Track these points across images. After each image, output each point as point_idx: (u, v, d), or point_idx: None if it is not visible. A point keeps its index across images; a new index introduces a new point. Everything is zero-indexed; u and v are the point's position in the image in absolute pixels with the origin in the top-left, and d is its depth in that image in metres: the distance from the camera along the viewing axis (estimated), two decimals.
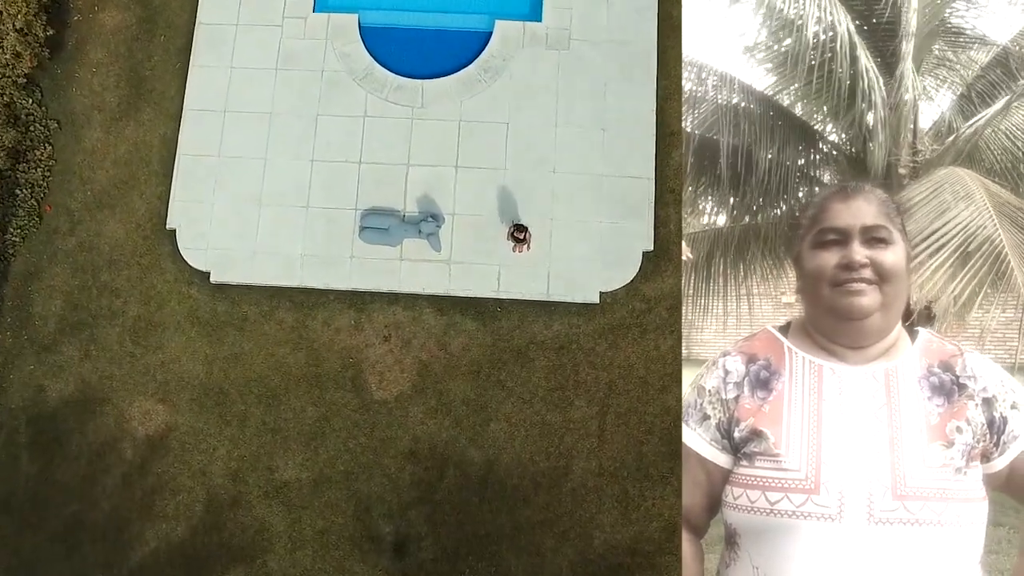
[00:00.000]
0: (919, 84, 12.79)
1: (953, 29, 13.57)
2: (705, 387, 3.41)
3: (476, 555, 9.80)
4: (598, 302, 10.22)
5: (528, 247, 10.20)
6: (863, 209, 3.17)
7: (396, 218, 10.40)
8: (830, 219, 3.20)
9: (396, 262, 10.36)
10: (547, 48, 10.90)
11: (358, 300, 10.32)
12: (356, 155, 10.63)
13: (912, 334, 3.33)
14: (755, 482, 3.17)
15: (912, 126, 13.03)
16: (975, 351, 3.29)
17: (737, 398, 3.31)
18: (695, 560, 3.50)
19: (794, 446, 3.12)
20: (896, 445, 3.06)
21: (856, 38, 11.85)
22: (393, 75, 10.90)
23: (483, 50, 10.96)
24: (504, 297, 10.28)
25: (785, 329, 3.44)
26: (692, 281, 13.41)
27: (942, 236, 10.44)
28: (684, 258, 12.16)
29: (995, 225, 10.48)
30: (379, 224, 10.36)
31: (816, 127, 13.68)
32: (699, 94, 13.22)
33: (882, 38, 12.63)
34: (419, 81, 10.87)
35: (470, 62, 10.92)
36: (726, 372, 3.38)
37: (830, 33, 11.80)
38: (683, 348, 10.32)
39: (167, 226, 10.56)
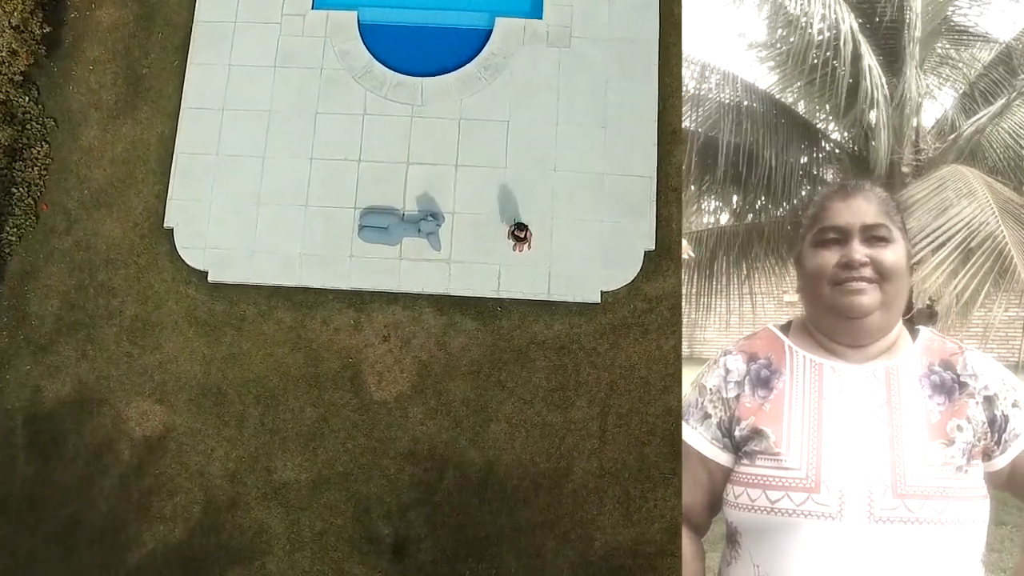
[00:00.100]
0: (922, 82, 12.77)
1: (956, 27, 13.60)
2: (706, 386, 3.41)
3: (476, 557, 9.75)
4: (599, 301, 10.17)
5: (529, 246, 10.14)
6: (863, 208, 3.17)
7: (395, 217, 10.34)
8: (830, 218, 3.20)
9: (395, 261, 10.30)
10: (548, 46, 10.84)
11: (357, 300, 10.27)
12: (355, 153, 10.58)
13: (913, 332, 3.33)
14: (756, 481, 3.17)
15: (915, 124, 13.06)
16: (976, 349, 3.29)
17: (738, 397, 3.30)
18: (695, 558, 3.50)
19: (794, 445, 3.12)
20: (896, 443, 3.06)
21: (859, 36, 11.87)
22: (392, 73, 10.84)
23: (483, 48, 10.90)
24: (504, 297, 10.22)
25: (786, 328, 3.45)
26: (695, 280, 13.43)
27: (944, 233, 10.48)
28: (684, 257, 12.13)
29: (997, 222, 10.50)
30: (378, 223, 10.30)
31: (819, 126, 13.70)
32: (702, 92, 13.21)
33: (885, 36, 12.63)
34: (419, 79, 10.81)
35: (470, 60, 10.87)
36: (727, 371, 3.37)
37: (833, 31, 11.79)
38: (686, 347, 10.31)
39: (164, 225, 10.51)
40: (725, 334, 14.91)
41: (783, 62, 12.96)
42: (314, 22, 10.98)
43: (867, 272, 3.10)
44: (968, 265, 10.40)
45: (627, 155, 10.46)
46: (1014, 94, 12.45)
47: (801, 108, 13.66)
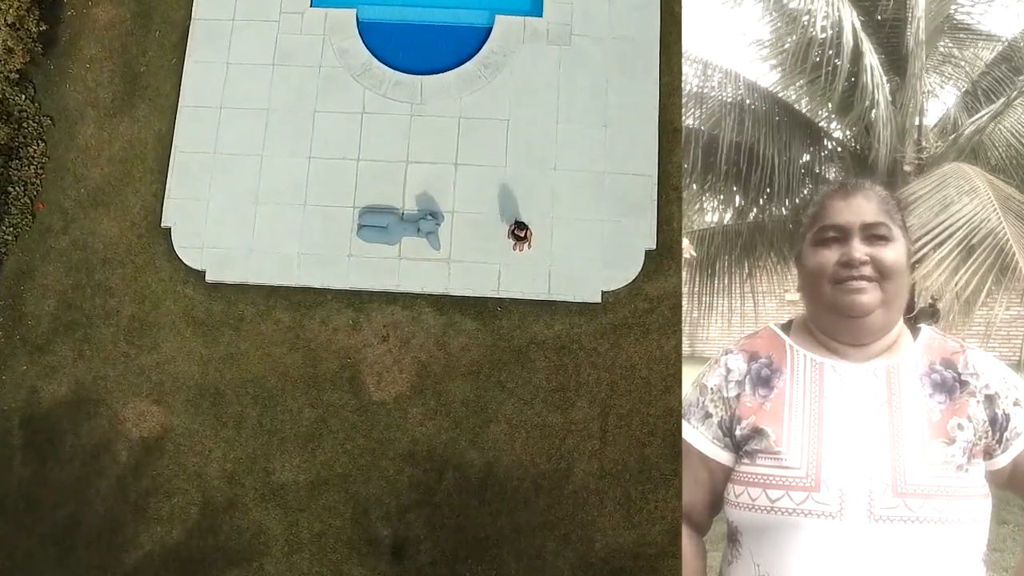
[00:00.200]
0: (924, 81, 12.74)
1: (959, 25, 13.56)
2: (707, 385, 3.41)
3: (476, 558, 9.72)
4: (600, 301, 10.15)
5: (529, 245, 10.11)
6: (863, 206, 3.18)
7: (395, 216, 10.31)
8: (830, 217, 3.21)
9: (395, 261, 10.27)
10: (548, 44, 10.82)
11: (356, 299, 10.25)
12: (354, 152, 10.56)
13: (914, 331, 3.33)
14: (756, 480, 3.17)
15: (917, 123, 13.03)
16: (978, 348, 3.29)
17: (739, 396, 3.31)
18: (695, 557, 3.52)
19: (795, 444, 3.13)
20: (897, 442, 3.06)
21: (861, 34, 11.86)
22: (392, 71, 10.83)
23: (483, 46, 10.88)
24: (504, 296, 10.20)
25: (787, 327, 3.46)
26: (697, 278, 13.41)
27: (946, 229, 10.49)
28: (686, 256, 12.11)
29: (999, 218, 10.50)
30: (377, 222, 10.27)
31: (821, 124, 13.67)
32: (704, 91, 13.20)
33: (888, 35, 12.59)
34: (418, 77, 10.79)
35: (470, 58, 10.85)
36: (728, 370, 3.38)
37: (836, 29, 11.76)
38: (688, 346, 10.29)
39: (162, 224, 10.49)
40: (727, 333, 14.87)
41: (784, 60, 12.93)
42: (313, 20, 10.96)
43: (867, 271, 3.10)
44: (969, 262, 10.40)
45: (628, 154, 10.43)
46: (1016, 92, 12.42)
47: (803, 106, 13.63)
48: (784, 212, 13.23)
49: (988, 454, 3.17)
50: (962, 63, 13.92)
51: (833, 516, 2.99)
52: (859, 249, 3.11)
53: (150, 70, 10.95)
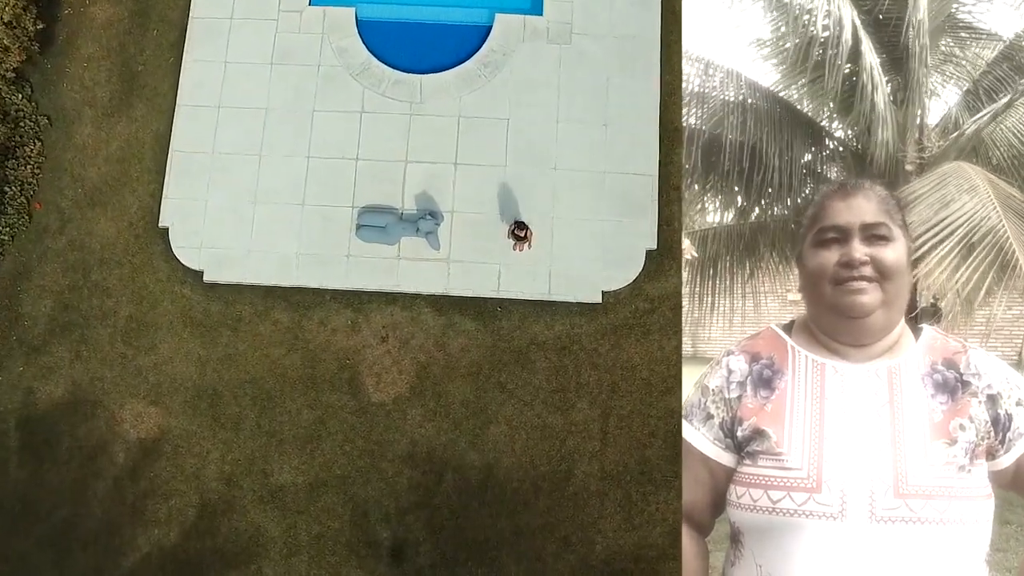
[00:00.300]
0: (926, 80, 12.72)
1: (960, 24, 13.57)
2: (709, 386, 3.44)
3: (475, 561, 9.68)
4: (600, 302, 10.12)
5: (529, 245, 10.08)
6: (863, 207, 3.19)
7: (394, 216, 10.28)
8: (830, 217, 3.23)
9: (394, 261, 10.23)
10: (548, 42, 10.79)
11: (355, 300, 10.22)
12: (353, 151, 10.53)
13: (916, 331, 3.35)
14: (758, 481, 3.19)
15: (918, 122, 13.01)
16: (980, 348, 3.30)
17: (740, 397, 3.35)
18: (696, 557, 3.56)
19: (796, 445, 3.16)
20: (898, 443, 3.07)
21: (862, 33, 11.83)
22: (391, 70, 10.80)
23: (483, 44, 10.86)
24: (504, 297, 10.17)
25: (789, 327, 3.48)
26: (699, 279, 13.39)
27: (946, 226, 10.51)
28: (687, 256, 12.08)
29: (999, 216, 10.53)
30: (376, 222, 10.24)
31: (822, 124, 13.66)
32: (705, 90, 13.19)
33: (889, 34, 12.57)
34: (417, 76, 10.77)
35: (469, 57, 10.82)
36: (729, 371, 3.41)
37: (837, 29, 11.73)
38: (690, 346, 10.26)
39: (159, 224, 10.46)
40: (729, 333, 14.85)
41: (786, 59, 12.91)
42: (311, 18, 10.93)
43: (867, 271, 3.13)
44: (970, 260, 10.41)
45: (628, 153, 10.41)
46: (1017, 92, 12.41)
47: (804, 106, 13.60)
48: (786, 212, 13.22)
49: (991, 455, 3.19)
50: (963, 62, 13.92)
51: (835, 517, 3.00)
52: (859, 249, 3.12)
53: (148, 69, 10.92)
